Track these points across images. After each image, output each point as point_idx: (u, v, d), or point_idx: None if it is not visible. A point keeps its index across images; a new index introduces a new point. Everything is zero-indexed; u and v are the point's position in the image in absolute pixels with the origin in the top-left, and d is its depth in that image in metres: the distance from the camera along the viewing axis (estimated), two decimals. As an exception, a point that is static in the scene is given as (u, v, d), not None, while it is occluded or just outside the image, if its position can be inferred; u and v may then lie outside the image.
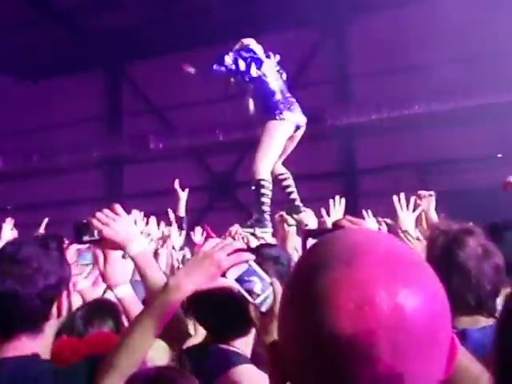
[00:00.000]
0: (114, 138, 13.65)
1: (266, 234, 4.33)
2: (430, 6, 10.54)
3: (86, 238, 1.78)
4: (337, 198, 3.69)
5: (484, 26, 10.00)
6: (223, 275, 1.49)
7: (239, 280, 1.49)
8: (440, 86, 10.26)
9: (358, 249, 0.70)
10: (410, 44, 10.49)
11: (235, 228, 4.30)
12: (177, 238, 4.49)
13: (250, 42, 5.07)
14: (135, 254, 1.76)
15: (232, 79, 4.98)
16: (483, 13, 9.91)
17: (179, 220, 4.89)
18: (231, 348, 1.80)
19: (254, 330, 1.82)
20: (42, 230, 5.12)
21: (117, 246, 1.79)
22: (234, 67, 4.83)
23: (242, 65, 4.83)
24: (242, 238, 4.11)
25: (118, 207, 1.81)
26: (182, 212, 5.05)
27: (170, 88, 12.59)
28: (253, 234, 4.27)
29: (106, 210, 1.78)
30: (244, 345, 1.83)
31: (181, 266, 3.74)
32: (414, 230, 3.17)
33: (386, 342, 0.64)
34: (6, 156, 13.67)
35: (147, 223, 4.03)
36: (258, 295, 1.49)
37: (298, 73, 11.77)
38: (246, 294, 1.48)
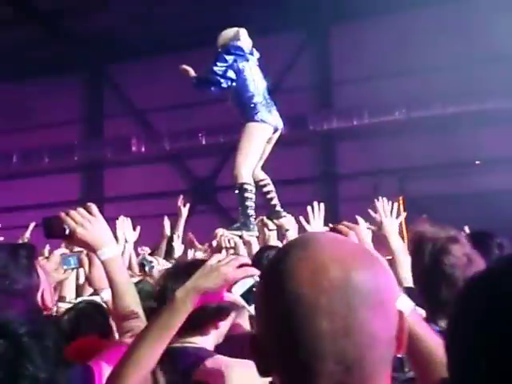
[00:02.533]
0: (95, 141, 13.57)
1: (253, 238, 4.34)
2: (412, 13, 10.69)
3: (55, 234, 1.76)
4: (315, 203, 3.69)
5: (460, 32, 10.20)
6: (229, 290, 1.51)
7: (244, 295, 1.51)
8: (419, 94, 10.41)
9: (310, 239, 0.88)
10: (392, 51, 10.63)
11: (221, 231, 4.29)
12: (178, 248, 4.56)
13: (242, 35, 4.94)
14: (106, 259, 1.75)
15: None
16: (459, 22, 10.11)
17: (170, 238, 4.83)
18: (196, 345, 1.89)
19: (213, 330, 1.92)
20: (28, 234, 5.07)
21: (88, 247, 1.78)
22: (228, 83, 4.80)
23: (231, 74, 4.80)
24: (229, 240, 4.12)
25: (93, 207, 1.80)
26: (180, 230, 4.91)
27: (152, 91, 12.57)
28: (240, 237, 4.27)
29: (81, 209, 1.76)
30: (204, 342, 1.92)
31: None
32: (397, 235, 3.20)
33: (339, 299, 0.78)
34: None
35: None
36: None
37: (279, 78, 11.83)
38: (250, 310, 1.49)
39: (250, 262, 1.57)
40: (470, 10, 10.32)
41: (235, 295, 1.52)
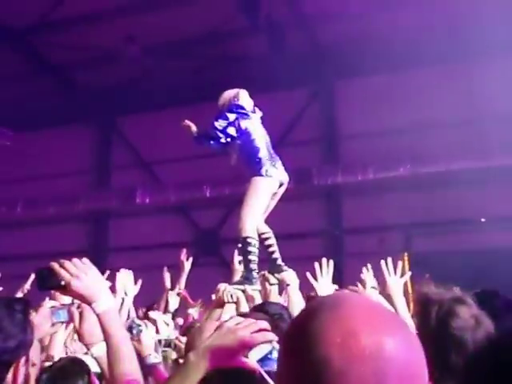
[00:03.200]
0: (100, 191, 13.64)
1: (256, 292, 4.27)
2: (416, 70, 10.90)
3: (49, 286, 1.70)
4: (324, 260, 3.65)
5: (464, 89, 10.36)
6: (245, 355, 1.45)
7: (262, 360, 1.45)
8: (424, 150, 10.48)
9: (342, 299, 0.83)
10: (397, 107, 10.77)
11: (223, 286, 4.24)
12: (173, 302, 4.47)
13: (242, 96, 5.05)
14: (102, 312, 1.70)
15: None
16: (463, 79, 10.28)
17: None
18: None
19: None
20: (28, 285, 5.01)
21: (83, 299, 1.73)
22: (227, 139, 4.88)
23: (232, 131, 4.88)
24: (231, 295, 4.06)
25: (86, 261, 1.76)
26: (182, 285, 4.86)
27: (158, 143, 12.73)
28: (243, 292, 4.21)
29: (76, 260, 1.72)
30: None
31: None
32: (402, 295, 3.15)
33: (370, 368, 0.73)
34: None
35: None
36: None
37: (286, 132, 11.98)
38: (266, 376, 1.43)
39: (269, 327, 1.49)
40: (473, 67, 10.53)
41: (252, 360, 1.45)
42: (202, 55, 11.71)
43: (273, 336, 1.46)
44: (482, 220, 10.49)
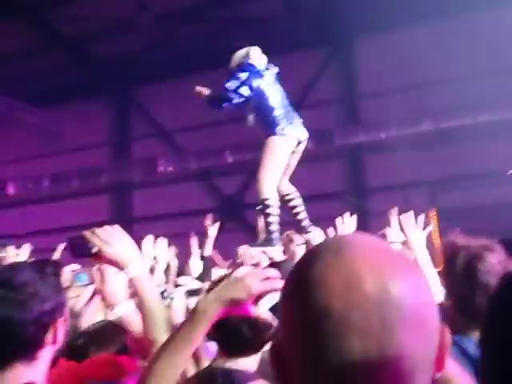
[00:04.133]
0: (122, 163, 13.73)
1: (276, 253, 4.28)
2: (438, 23, 10.58)
3: (82, 253, 1.74)
4: (346, 215, 3.63)
5: (494, 44, 10.04)
6: (256, 303, 1.45)
7: (272, 310, 1.45)
8: (449, 102, 10.26)
9: (344, 242, 0.77)
10: (419, 61, 10.51)
11: (244, 248, 4.26)
12: (196, 267, 4.48)
13: (255, 54, 4.96)
14: (134, 276, 1.74)
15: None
16: (493, 30, 9.95)
17: (204, 259, 4.72)
18: (239, 368, 1.88)
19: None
20: (57, 255, 5.12)
21: (115, 264, 1.76)
22: (240, 99, 4.78)
23: (245, 91, 4.78)
24: (252, 256, 4.08)
25: (117, 227, 1.79)
26: (208, 250, 4.77)
27: (178, 111, 12.69)
28: (263, 253, 4.22)
29: (107, 227, 1.75)
30: (252, 362, 1.91)
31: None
32: (424, 248, 3.12)
33: (375, 315, 0.68)
34: (17, 182, 13.78)
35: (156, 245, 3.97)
36: None
37: (305, 93, 11.82)
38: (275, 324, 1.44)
39: (279, 274, 1.49)
40: (498, 16, 10.18)
41: (262, 309, 1.46)
42: (216, 19, 11.53)
43: (281, 283, 1.45)
44: (509, 173, 10.30)
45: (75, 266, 2.51)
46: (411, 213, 3.24)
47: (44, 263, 1.63)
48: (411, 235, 3.14)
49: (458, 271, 1.97)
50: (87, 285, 2.52)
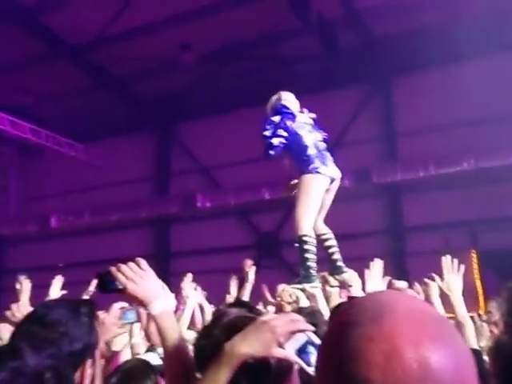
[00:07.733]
0: (162, 198, 13.95)
1: (316, 289, 4.22)
2: (476, 62, 10.54)
3: (108, 289, 1.77)
4: (376, 260, 3.57)
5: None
6: (281, 346, 1.45)
7: (299, 352, 1.45)
8: (488, 143, 10.13)
9: (383, 307, 0.76)
10: (457, 101, 10.46)
11: (282, 286, 4.23)
12: None
13: (287, 98, 5.04)
14: (157, 314, 1.74)
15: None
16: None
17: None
18: None
19: None
20: (92, 288, 5.16)
21: (139, 301, 1.78)
22: (281, 142, 4.84)
23: (281, 133, 4.85)
24: (290, 295, 4.04)
25: (143, 262, 1.80)
26: (247, 295, 4.56)
27: (217, 148, 12.88)
28: (302, 290, 4.17)
29: (132, 264, 1.77)
30: None
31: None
32: (460, 292, 3.05)
33: None
34: (58, 215, 14.13)
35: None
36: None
37: (344, 131, 11.86)
38: (305, 367, 1.44)
39: (301, 318, 1.51)
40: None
41: (288, 351, 1.46)
42: (255, 58, 11.76)
43: (307, 325, 1.46)
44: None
45: (123, 304, 2.54)
46: (449, 258, 3.17)
47: (80, 303, 1.65)
48: (449, 280, 3.08)
49: None
50: (133, 323, 2.53)
